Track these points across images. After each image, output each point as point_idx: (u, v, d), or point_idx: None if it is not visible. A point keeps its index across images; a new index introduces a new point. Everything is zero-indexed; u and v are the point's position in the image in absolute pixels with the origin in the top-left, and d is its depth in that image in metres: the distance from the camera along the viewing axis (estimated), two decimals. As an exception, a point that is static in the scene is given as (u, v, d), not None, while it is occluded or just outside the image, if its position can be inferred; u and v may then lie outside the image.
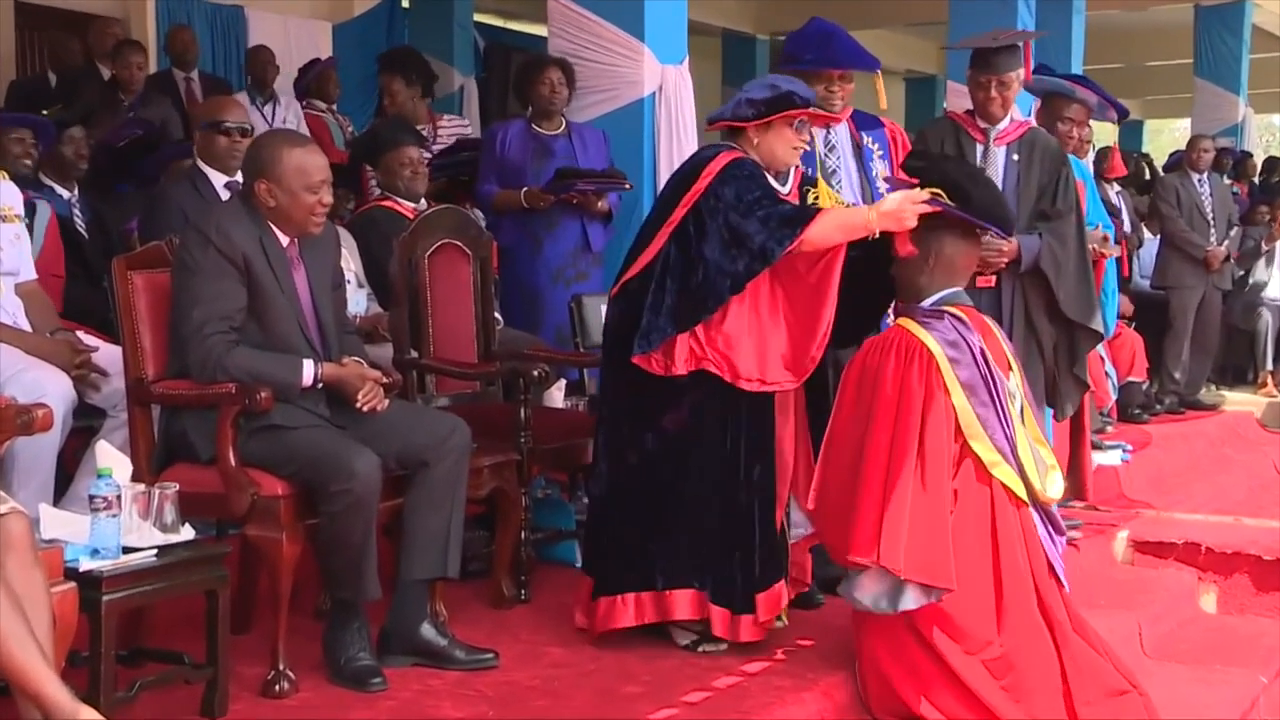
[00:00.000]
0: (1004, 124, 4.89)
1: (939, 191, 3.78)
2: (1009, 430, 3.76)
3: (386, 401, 3.71)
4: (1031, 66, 5.18)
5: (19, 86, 7.49)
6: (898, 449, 3.65)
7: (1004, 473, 3.72)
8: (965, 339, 3.78)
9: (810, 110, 3.93)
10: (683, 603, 3.88)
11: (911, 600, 3.62)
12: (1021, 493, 3.75)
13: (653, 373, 3.81)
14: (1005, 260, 4.66)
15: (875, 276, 3.89)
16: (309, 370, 3.62)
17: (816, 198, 4.10)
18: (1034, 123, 5.35)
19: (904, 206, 3.73)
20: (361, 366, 3.72)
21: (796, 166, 4.05)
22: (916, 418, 3.66)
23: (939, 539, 3.61)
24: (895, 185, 4.01)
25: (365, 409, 3.64)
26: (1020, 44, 4.89)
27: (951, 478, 3.67)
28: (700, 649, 3.93)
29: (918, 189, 3.81)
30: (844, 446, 3.78)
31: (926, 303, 3.85)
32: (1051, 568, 3.81)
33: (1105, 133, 12.54)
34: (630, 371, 3.84)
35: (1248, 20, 12.61)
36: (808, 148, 4.09)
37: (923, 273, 3.84)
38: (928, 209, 3.74)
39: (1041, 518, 3.83)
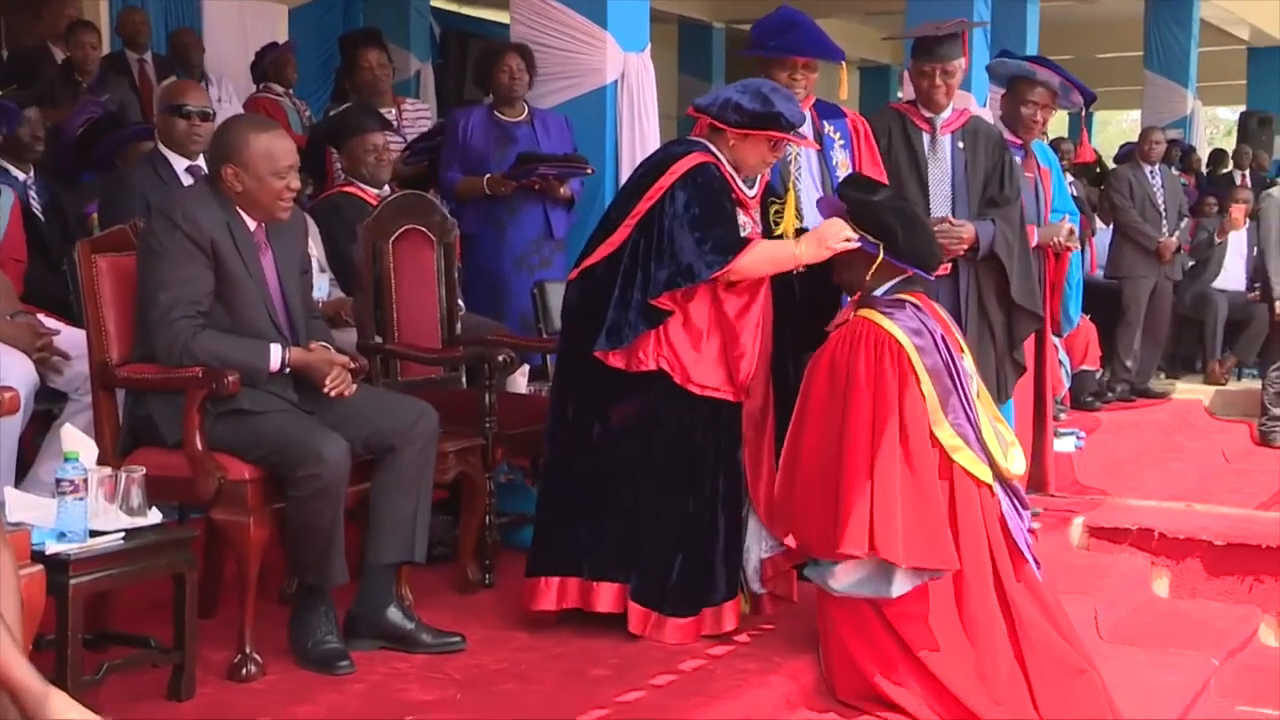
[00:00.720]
0: (947, 113, 4.96)
1: (862, 234, 3.85)
2: (972, 414, 3.81)
3: (354, 386, 3.70)
4: (980, 56, 5.22)
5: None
6: (879, 440, 3.68)
7: (965, 457, 3.77)
8: (926, 326, 3.83)
9: (792, 136, 3.95)
10: (606, 595, 3.89)
11: (902, 584, 3.66)
12: (985, 476, 3.79)
13: (612, 367, 3.81)
14: (964, 248, 4.74)
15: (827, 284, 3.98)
16: (276, 354, 3.61)
17: (779, 211, 4.11)
18: (976, 110, 5.39)
19: (824, 244, 3.86)
20: (329, 351, 3.71)
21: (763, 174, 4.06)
22: (894, 409, 3.70)
23: (934, 521, 3.65)
24: (826, 209, 4.06)
25: (333, 394, 3.63)
26: (960, 32, 4.94)
27: (934, 463, 3.72)
28: None
29: (840, 221, 3.88)
30: (817, 440, 3.80)
31: (881, 291, 3.89)
32: (1015, 547, 3.86)
33: (1054, 124, 12.65)
34: (585, 358, 3.85)
35: (1196, 14, 12.76)
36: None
37: (863, 280, 3.90)
38: (848, 247, 3.85)
39: (1007, 494, 3.88)
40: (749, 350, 3.85)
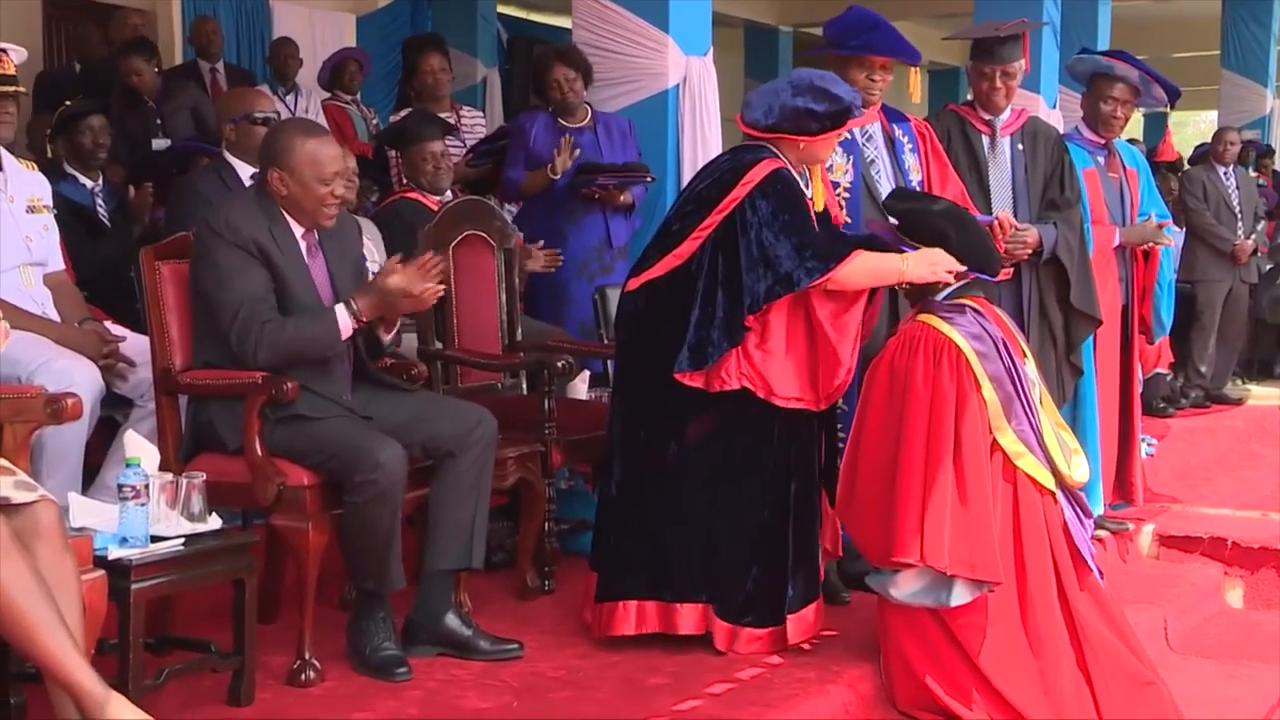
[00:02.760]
0: (1006, 115, 4.90)
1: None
2: (1034, 419, 3.76)
3: (442, 288, 3.68)
4: (1050, 56, 5.15)
5: (46, 77, 7.52)
6: (934, 448, 3.64)
7: (1029, 464, 3.72)
8: (987, 331, 3.79)
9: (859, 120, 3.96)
10: (689, 618, 3.83)
11: (961, 595, 3.61)
12: (1049, 482, 3.74)
13: (694, 387, 3.71)
14: (1029, 252, 4.68)
15: None
16: (343, 315, 3.59)
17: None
18: (1046, 112, 5.32)
19: (934, 266, 3.80)
20: (378, 277, 3.65)
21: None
22: (950, 416, 3.66)
23: (983, 534, 3.61)
24: (876, 229, 4.05)
25: (436, 290, 3.60)
26: (1021, 34, 4.87)
27: (989, 472, 3.67)
28: None
29: (940, 251, 3.83)
30: (876, 447, 3.77)
31: (941, 296, 3.85)
32: (1079, 556, 3.80)
33: (1131, 125, 12.46)
34: (654, 374, 3.76)
35: (1276, 12, 12.52)
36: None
37: (922, 289, 3.87)
38: (958, 272, 3.82)
39: (1070, 502, 3.82)
40: (845, 359, 3.71)
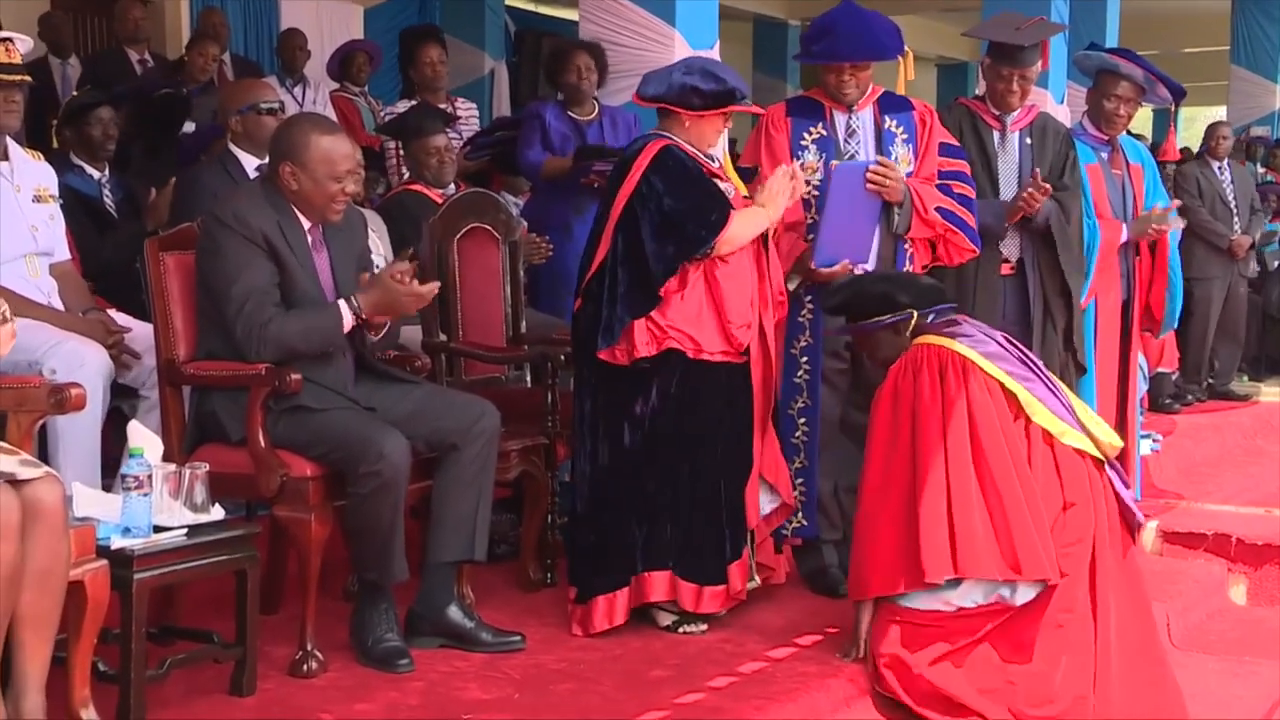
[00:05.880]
0: (1017, 111, 4.91)
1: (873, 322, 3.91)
2: (1063, 398, 3.79)
3: (437, 284, 3.75)
4: (1059, 51, 5.14)
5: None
6: (953, 459, 3.66)
7: (1074, 437, 3.75)
8: (989, 336, 3.81)
9: (745, 106, 4.05)
10: (659, 584, 3.93)
11: (1026, 593, 3.64)
12: (1094, 450, 3.77)
13: (619, 364, 3.86)
14: (1038, 204, 4.73)
15: None
16: (346, 311, 3.61)
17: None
18: (1054, 108, 5.32)
19: (778, 196, 3.98)
20: (381, 276, 3.66)
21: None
22: (964, 425, 3.68)
23: (1023, 534, 3.61)
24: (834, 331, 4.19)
25: (426, 294, 3.64)
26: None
27: (1019, 470, 3.68)
28: (681, 629, 3.97)
29: (780, 170, 4.02)
30: (880, 475, 3.77)
31: (930, 319, 3.89)
32: (1127, 524, 3.83)
33: (1140, 121, 12.43)
34: (598, 370, 3.91)
35: (1286, 7, 12.48)
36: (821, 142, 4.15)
37: (899, 346, 3.89)
38: (802, 187, 4.06)
39: (1115, 471, 3.85)
40: (743, 320, 3.93)
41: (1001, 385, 3.73)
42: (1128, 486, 3.93)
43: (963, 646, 3.68)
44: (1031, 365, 3.84)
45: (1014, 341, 3.86)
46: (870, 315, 3.91)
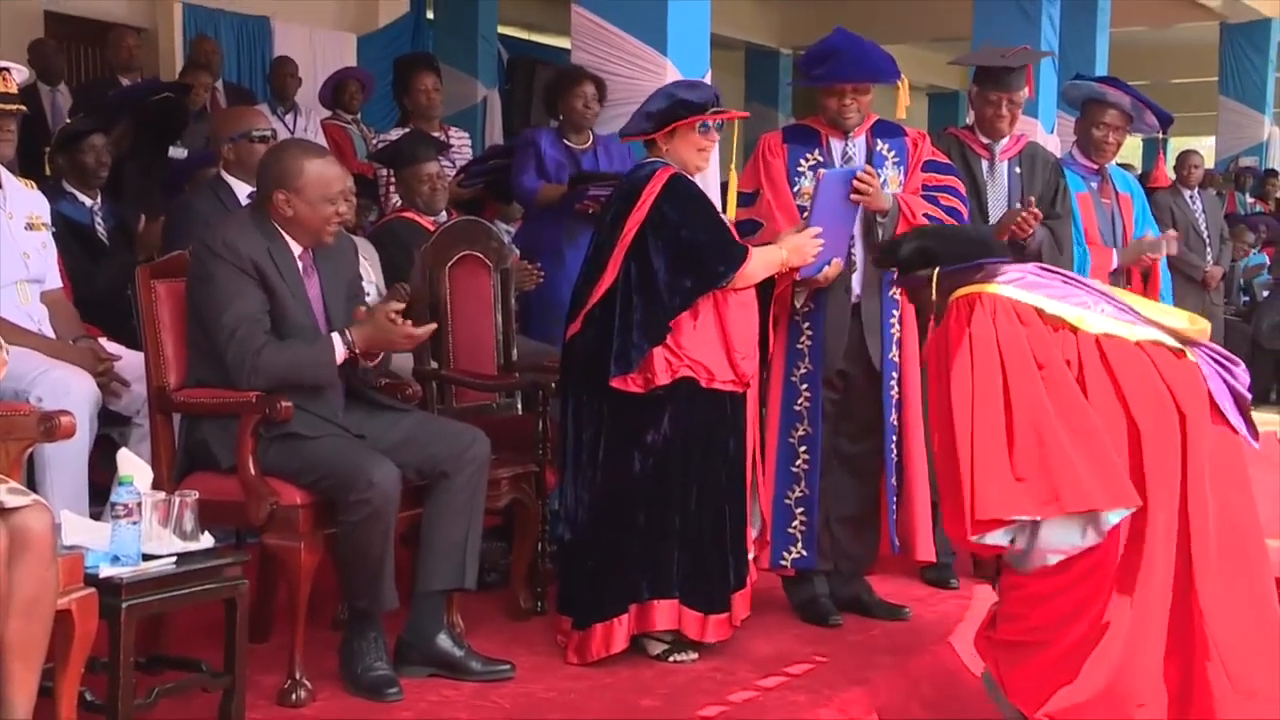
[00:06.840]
0: (1006, 139, 4.94)
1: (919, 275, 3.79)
2: (1117, 301, 3.63)
3: (433, 327, 3.79)
4: (1048, 82, 5.18)
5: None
6: (1011, 391, 3.44)
7: (1142, 333, 3.55)
8: (1020, 269, 3.68)
9: (710, 114, 3.99)
10: (664, 612, 3.92)
11: (1108, 520, 3.39)
12: (1172, 342, 3.57)
13: (632, 391, 3.85)
14: (1031, 229, 4.77)
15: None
16: (339, 343, 3.62)
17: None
18: (1043, 137, 5.34)
19: (804, 253, 4.03)
20: (376, 312, 3.67)
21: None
22: (993, 361, 3.47)
23: (1102, 459, 3.40)
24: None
25: (421, 335, 3.67)
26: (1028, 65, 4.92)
27: (1072, 393, 3.47)
28: (671, 658, 3.95)
29: (811, 232, 4.02)
30: (942, 429, 3.56)
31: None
32: (1221, 414, 3.57)
33: (1129, 150, 12.49)
34: (608, 397, 3.88)
35: (1274, 38, 12.60)
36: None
37: (931, 301, 3.77)
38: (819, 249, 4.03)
39: (1207, 353, 3.63)
40: (749, 351, 3.98)
41: (1038, 311, 3.54)
42: (1232, 364, 3.63)
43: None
44: (1074, 281, 3.69)
45: (1048, 268, 3.77)
46: (913, 270, 3.80)
